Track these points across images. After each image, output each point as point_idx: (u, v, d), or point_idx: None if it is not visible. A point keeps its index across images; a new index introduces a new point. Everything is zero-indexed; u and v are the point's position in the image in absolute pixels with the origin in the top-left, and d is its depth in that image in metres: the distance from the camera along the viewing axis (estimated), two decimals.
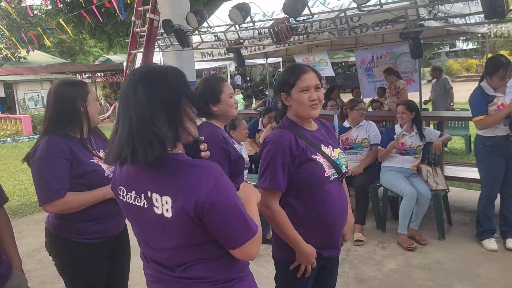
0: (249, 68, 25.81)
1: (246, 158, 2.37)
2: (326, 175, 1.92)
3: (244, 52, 7.54)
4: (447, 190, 4.21)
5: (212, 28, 5.64)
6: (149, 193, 1.31)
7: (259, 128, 5.72)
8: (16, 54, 21.45)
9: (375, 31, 5.27)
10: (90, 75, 21.52)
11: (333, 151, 2.00)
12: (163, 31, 5.80)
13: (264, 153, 1.95)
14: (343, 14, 4.68)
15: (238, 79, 22.91)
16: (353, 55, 23.97)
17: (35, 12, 21.41)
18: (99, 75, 21.81)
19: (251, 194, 1.51)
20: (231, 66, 13.47)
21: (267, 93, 17.48)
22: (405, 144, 4.27)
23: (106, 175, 2.14)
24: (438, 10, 4.74)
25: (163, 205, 1.28)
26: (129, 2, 8.43)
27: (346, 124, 4.69)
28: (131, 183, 1.38)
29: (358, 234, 4.15)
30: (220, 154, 2.18)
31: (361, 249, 4.00)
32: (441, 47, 28.63)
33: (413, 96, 7.25)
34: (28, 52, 20.99)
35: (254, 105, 10.46)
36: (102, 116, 14.59)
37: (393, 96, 7.41)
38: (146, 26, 5.69)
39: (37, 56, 23.48)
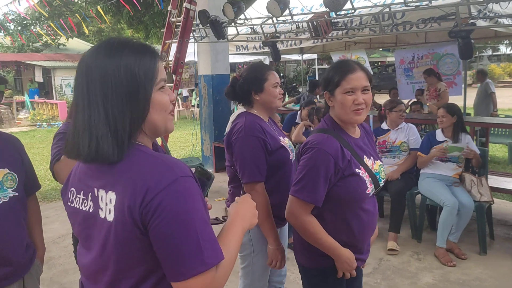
0: (283, 64, 25.56)
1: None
2: (367, 192, 1.72)
3: (279, 46, 7.37)
4: (492, 202, 3.92)
5: (249, 20, 5.50)
6: (95, 190, 1.07)
7: (296, 121, 5.49)
8: (56, 40, 21.97)
9: (419, 29, 4.99)
10: None
11: (374, 163, 1.79)
12: (199, 21, 5.70)
13: (305, 159, 1.71)
14: (387, 10, 4.44)
15: None
16: (390, 55, 23.48)
17: (76, 0, 21.86)
18: None
19: (244, 214, 1.21)
20: (266, 61, 13.29)
21: (300, 90, 17.25)
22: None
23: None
24: (488, 10, 4.43)
25: (107, 205, 1.03)
26: None
27: (384, 126, 4.45)
28: (81, 181, 1.13)
29: (392, 243, 3.92)
30: (255, 143, 2.04)
31: (395, 259, 3.77)
32: (483, 50, 27.53)
33: (455, 100, 6.91)
34: (67, 39, 21.45)
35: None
36: None
37: (432, 98, 7.07)
38: (182, 16, 5.60)
39: (76, 44, 24.00)
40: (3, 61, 19.12)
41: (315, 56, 12.03)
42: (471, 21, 4.02)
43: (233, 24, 5.42)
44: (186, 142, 10.00)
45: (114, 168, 1.04)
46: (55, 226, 4.81)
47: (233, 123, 2.20)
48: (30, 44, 20.22)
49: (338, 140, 1.72)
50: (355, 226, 1.74)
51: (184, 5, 5.62)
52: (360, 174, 1.70)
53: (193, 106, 14.42)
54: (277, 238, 2.09)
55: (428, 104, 6.75)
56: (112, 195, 1.02)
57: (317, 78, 13.90)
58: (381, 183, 1.78)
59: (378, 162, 1.82)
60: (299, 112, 5.48)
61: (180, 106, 14.85)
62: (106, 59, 1.04)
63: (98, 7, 13.82)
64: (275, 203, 2.08)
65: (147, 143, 1.12)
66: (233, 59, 11.07)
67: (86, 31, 17.66)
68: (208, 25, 5.48)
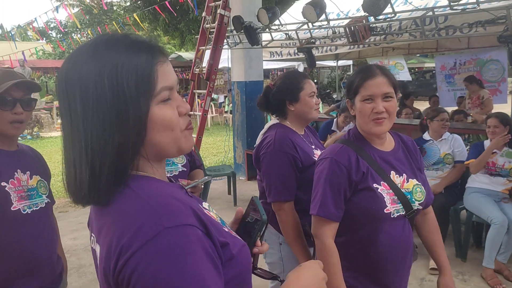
0: (316, 70, 25.31)
1: None
2: (386, 211, 1.50)
3: (314, 52, 7.21)
4: None
5: (284, 25, 5.38)
6: (92, 237, 0.88)
7: (332, 129, 5.30)
8: None
9: (463, 33, 4.73)
10: None
11: (407, 181, 1.57)
12: (233, 27, 5.63)
13: (317, 172, 1.60)
14: (430, 13, 4.21)
15: None
16: (428, 61, 22.80)
17: (114, 7, 22.44)
18: None
19: (305, 284, 0.93)
20: (300, 67, 13.13)
21: (334, 96, 16.96)
22: (496, 163, 3.73)
23: None
24: None
25: (98, 258, 0.83)
26: None
27: (426, 136, 4.20)
28: (92, 221, 0.92)
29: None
30: (283, 160, 1.92)
31: None
32: None
33: (499, 109, 6.54)
34: None
35: (321, 108, 10.05)
36: None
37: (475, 107, 6.73)
38: (216, 22, 5.55)
39: None
40: (44, 67, 19.81)
41: (350, 62, 11.78)
42: None
43: (267, 30, 5.32)
44: (218, 148, 9.96)
45: (103, 211, 0.82)
46: (87, 233, 4.82)
47: (264, 135, 2.08)
48: (70, 51, 20.91)
49: (357, 151, 1.56)
50: (374, 252, 1.54)
51: (218, 11, 5.57)
52: (379, 190, 1.51)
53: (226, 112, 14.42)
54: (309, 258, 1.94)
55: (471, 113, 6.40)
56: (98, 248, 0.82)
57: None
58: (415, 205, 1.56)
59: (414, 181, 1.59)
60: (335, 120, 5.29)
61: (213, 111, 14.89)
62: (87, 64, 0.78)
63: (135, 15, 14.11)
64: (309, 222, 1.94)
65: (154, 170, 0.86)
66: (267, 65, 10.99)
67: None
68: (242, 31, 5.41)
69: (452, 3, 3.84)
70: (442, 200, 3.84)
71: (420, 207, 1.59)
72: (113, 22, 16.70)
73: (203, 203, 0.93)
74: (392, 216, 1.52)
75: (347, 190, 1.53)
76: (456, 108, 7.22)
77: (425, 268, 3.65)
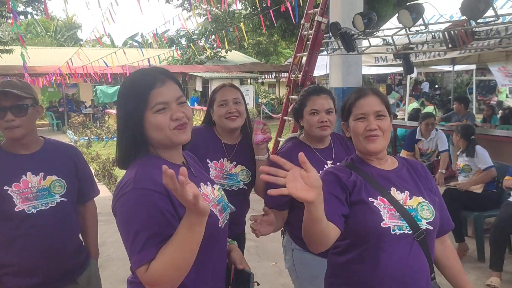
0: (440, 75, 23.62)
1: None
2: (383, 225, 1.44)
3: (421, 58, 6.87)
4: None
5: (381, 31, 5.23)
6: None
7: (417, 138, 5.02)
8: (218, 53, 24.10)
9: None
10: (276, 75, 22.76)
11: (410, 198, 1.50)
12: (330, 34, 5.64)
13: None
14: None
15: (426, 86, 21.15)
16: None
17: (236, 14, 23.72)
18: (283, 75, 22.94)
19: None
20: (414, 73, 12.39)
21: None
22: None
23: None
24: None
25: None
26: (301, 4, 8.50)
27: None
28: None
29: (496, 279, 3.44)
30: None
31: None
32: None
33: None
34: (226, 52, 23.33)
35: (436, 114, 9.29)
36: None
37: None
38: (313, 29, 5.62)
39: (234, 56, 25.92)
40: (172, 71, 21.78)
41: (473, 66, 10.79)
42: None
43: (363, 36, 5.23)
44: None
45: None
46: None
47: (282, 146, 2.21)
48: (196, 57, 22.58)
49: (353, 169, 1.56)
50: (375, 271, 1.47)
51: (315, 18, 5.63)
52: (374, 204, 1.48)
53: None
54: None
55: None
56: None
57: (474, 91, 12.42)
58: (422, 224, 1.48)
59: (419, 199, 1.52)
60: (418, 128, 5.00)
61: None
62: (120, 88, 1.40)
63: (252, 22, 14.75)
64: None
65: (163, 152, 1.38)
66: (369, 70, 10.67)
67: (246, 43, 18.97)
68: (339, 37, 5.39)
69: None
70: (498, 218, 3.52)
71: (430, 227, 1.50)
72: (234, 27, 17.68)
73: (208, 182, 1.50)
74: (393, 232, 1.46)
75: (341, 196, 1.52)
76: None
77: (482, 284, 3.33)
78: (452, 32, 4.33)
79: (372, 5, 12.22)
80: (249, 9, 20.05)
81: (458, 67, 10.76)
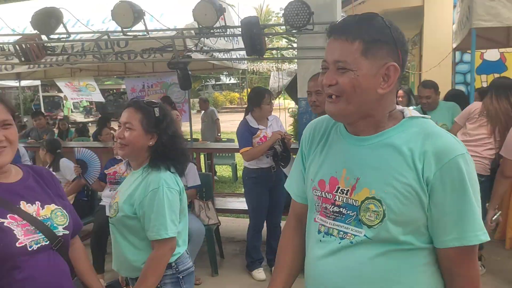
0: (2, 91, 22.26)
1: None
2: (19, 244, 1.36)
3: None
4: (219, 224, 4.17)
5: None
6: None
7: None
8: None
9: (144, 58, 5.01)
10: None
11: (43, 208, 1.48)
12: None
13: None
14: (106, 37, 4.25)
15: None
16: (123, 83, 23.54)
17: None
18: None
19: None
20: None
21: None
22: None
23: None
24: (204, 44, 4.79)
25: None
26: None
27: None
28: None
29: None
30: None
31: None
32: (207, 80, 30.83)
33: (186, 126, 7.31)
34: None
35: None
36: None
37: None
38: None
39: None
40: None
41: (38, 82, 10.80)
42: (187, 53, 4.25)
43: None
44: None
45: None
46: None
47: None
48: None
49: None
50: None
51: None
52: (5, 224, 1.36)
53: None
54: None
55: None
56: None
57: (42, 107, 12.52)
58: (59, 231, 1.47)
59: (52, 206, 1.51)
60: None
61: None
62: None
63: None
64: None
65: None
66: None
67: None
68: None
69: (124, 30, 3.98)
70: None
71: (67, 232, 1.51)
72: None
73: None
74: (30, 249, 1.37)
75: None
76: None
77: None
78: (23, 45, 4.20)
79: None
80: None
81: (24, 83, 10.49)
